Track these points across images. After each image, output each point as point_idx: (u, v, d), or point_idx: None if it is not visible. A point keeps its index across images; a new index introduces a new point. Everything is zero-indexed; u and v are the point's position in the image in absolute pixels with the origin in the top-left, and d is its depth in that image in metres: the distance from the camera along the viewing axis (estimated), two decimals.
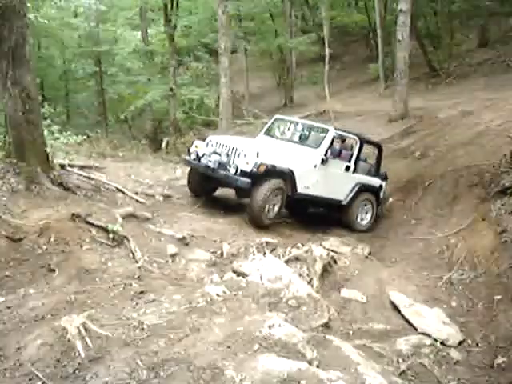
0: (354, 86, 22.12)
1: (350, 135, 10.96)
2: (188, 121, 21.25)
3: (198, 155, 9.90)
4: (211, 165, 9.45)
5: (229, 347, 4.44)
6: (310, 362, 4.43)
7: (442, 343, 6.11)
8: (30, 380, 3.97)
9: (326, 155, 10.10)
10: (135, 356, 4.25)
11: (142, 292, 5.73)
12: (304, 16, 28.70)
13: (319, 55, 22.48)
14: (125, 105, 20.49)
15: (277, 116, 11.72)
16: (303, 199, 10.13)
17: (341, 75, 23.12)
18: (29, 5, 9.63)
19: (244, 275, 7.07)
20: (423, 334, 6.31)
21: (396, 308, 6.90)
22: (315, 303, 6.27)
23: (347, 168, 10.63)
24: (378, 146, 11.63)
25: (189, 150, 10.41)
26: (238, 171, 9.13)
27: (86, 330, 4.48)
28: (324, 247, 8.49)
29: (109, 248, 6.83)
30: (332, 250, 8.40)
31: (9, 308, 5.13)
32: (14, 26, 7.50)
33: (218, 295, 5.69)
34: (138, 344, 4.45)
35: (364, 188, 10.95)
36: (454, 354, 6.00)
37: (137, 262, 6.94)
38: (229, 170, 9.22)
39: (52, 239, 6.47)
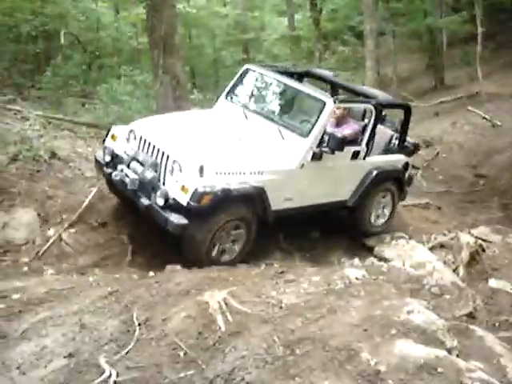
0: (509, 66, 20.80)
1: (359, 104, 7.62)
2: None
3: (113, 156, 6.48)
4: (128, 184, 6.03)
5: (365, 330, 4.41)
6: (449, 351, 4.28)
7: None
8: (173, 349, 4.18)
9: (320, 147, 6.66)
10: (272, 333, 4.35)
11: (282, 272, 5.82)
12: None
13: (472, 34, 21.36)
14: None
15: (247, 66, 7.80)
16: (283, 216, 6.68)
17: (495, 55, 21.79)
18: None
19: (386, 260, 7.01)
20: None
21: None
22: (460, 292, 6.05)
23: (355, 154, 7.23)
24: (405, 108, 8.15)
25: (104, 143, 6.87)
26: (170, 200, 5.82)
27: (226, 305, 4.66)
28: (472, 235, 8.15)
29: None
30: (480, 238, 8.04)
31: (157, 282, 5.42)
32: (164, 17, 7.92)
33: (357, 278, 5.66)
34: (275, 321, 4.55)
35: (380, 176, 7.60)
36: None
37: (278, 243, 7.14)
38: (155, 198, 5.86)
39: None
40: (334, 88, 8.33)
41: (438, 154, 13.47)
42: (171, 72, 8.02)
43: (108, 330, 4.54)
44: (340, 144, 6.59)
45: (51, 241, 6.53)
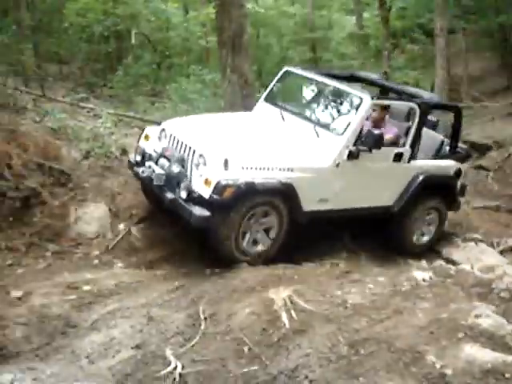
0: None
1: (400, 102, 7.18)
2: None
3: (143, 156, 6.42)
4: (154, 179, 5.97)
5: (431, 333, 4.36)
6: None
7: None
8: (237, 345, 4.25)
9: (356, 145, 6.33)
10: (337, 332, 4.35)
11: (347, 272, 5.83)
12: None
13: None
14: None
15: (286, 68, 7.58)
16: (319, 218, 6.41)
17: None
18: None
19: (454, 263, 6.89)
20: None
21: None
22: None
23: (398, 157, 6.79)
24: (456, 110, 7.57)
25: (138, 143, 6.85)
26: (193, 194, 5.75)
27: (291, 302, 4.69)
28: None
29: None
30: None
31: (223, 278, 5.53)
32: (232, 16, 8.01)
33: (424, 280, 5.60)
34: (340, 321, 4.55)
35: (428, 181, 7.05)
36: None
37: (344, 243, 7.11)
38: (179, 192, 5.82)
39: None
40: (382, 91, 7.95)
41: (509, 155, 13.05)
42: (239, 71, 8.12)
43: (174, 323, 4.65)
44: (377, 141, 6.28)
45: (121, 235, 6.71)
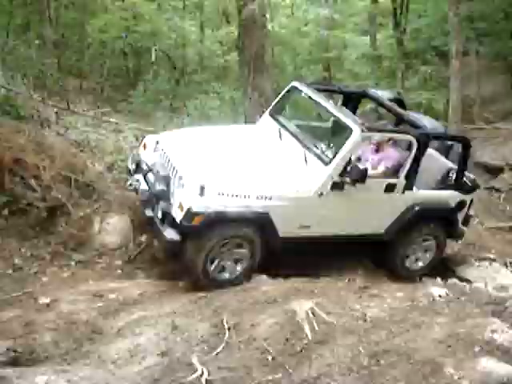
0: None
1: (395, 134, 6.82)
2: None
3: (138, 165, 6.54)
4: (140, 195, 6.19)
5: (449, 346, 4.48)
6: None
7: None
8: (261, 353, 4.39)
9: (343, 175, 6.13)
10: (357, 343, 4.48)
11: (365, 287, 5.95)
12: None
13: None
14: None
15: (294, 83, 7.34)
16: (299, 243, 6.26)
17: None
18: (267, 15, 10.38)
19: (468, 281, 6.99)
20: None
21: None
22: None
23: (390, 187, 6.53)
24: (463, 142, 7.12)
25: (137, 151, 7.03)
26: (170, 216, 5.78)
27: (313, 314, 4.83)
28: None
29: None
30: None
31: (245, 291, 5.66)
32: (254, 37, 8.23)
33: (440, 296, 5.71)
34: (360, 333, 4.68)
35: (422, 213, 6.80)
36: None
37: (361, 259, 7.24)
38: (157, 211, 5.89)
39: None
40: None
41: None
42: (260, 89, 8.33)
43: (199, 331, 4.79)
44: (361, 176, 6.04)
45: (142, 246, 6.87)
